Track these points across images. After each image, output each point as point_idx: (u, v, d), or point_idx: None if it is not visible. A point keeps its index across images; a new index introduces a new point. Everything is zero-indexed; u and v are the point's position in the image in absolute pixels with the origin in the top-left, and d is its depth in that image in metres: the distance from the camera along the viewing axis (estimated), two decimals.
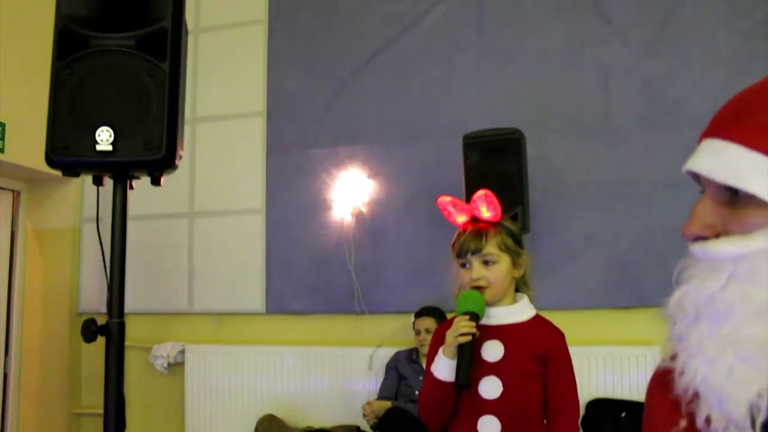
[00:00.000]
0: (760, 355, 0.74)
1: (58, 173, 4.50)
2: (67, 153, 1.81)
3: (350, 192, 4.28)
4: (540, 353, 1.85)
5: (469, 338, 1.76)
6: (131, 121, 1.82)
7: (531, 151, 3.74)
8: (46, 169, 4.37)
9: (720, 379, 0.77)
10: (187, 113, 4.46)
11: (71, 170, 1.85)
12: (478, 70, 4.19)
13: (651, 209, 3.82)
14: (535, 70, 4.09)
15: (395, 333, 4.15)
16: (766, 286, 0.73)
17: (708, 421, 0.79)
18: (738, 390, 0.75)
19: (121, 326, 1.88)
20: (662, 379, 1.03)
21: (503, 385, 1.81)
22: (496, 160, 3.47)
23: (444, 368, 1.80)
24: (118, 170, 1.87)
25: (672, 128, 3.80)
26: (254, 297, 4.45)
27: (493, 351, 1.85)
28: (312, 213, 4.38)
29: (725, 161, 0.79)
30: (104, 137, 1.80)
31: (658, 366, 1.08)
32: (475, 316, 1.79)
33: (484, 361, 1.84)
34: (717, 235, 0.82)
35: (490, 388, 1.81)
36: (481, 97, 4.15)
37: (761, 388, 0.74)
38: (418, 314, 3.80)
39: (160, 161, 1.82)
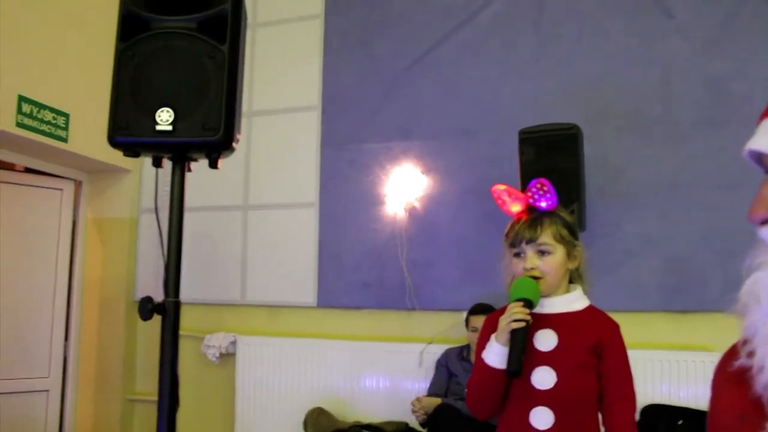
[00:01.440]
0: None
1: (118, 164, 4.68)
2: (128, 133, 1.84)
3: (403, 187, 4.27)
4: (594, 344, 1.81)
5: (522, 325, 1.72)
6: (191, 102, 1.84)
7: (588, 149, 3.68)
8: (107, 159, 4.58)
9: None
10: (243, 106, 4.53)
11: (131, 150, 1.88)
12: (534, 66, 4.14)
13: (712, 211, 3.71)
14: (594, 67, 4.02)
15: (446, 330, 4.12)
16: None
17: None
18: None
19: (177, 305, 1.90)
20: (727, 366, 0.99)
21: (557, 376, 1.77)
22: (552, 156, 3.42)
23: (496, 355, 1.77)
24: (177, 151, 1.90)
25: (736, 127, 3.69)
26: (306, 290, 4.48)
27: (546, 340, 1.81)
28: (365, 207, 4.38)
29: None
30: (164, 117, 1.82)
31: (724, 352, 1.04)
32: (528, 303, 1.75)
33: (537, 351, 1.80)
34: None
35: (544, 378, 1.78)
36: (537, 93, 4.09)
37: None
38: (473, 311, 3.75)
39: (218, 142, 1.84)
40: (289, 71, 4.74)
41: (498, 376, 1.78)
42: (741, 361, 0.85)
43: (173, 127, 1.83)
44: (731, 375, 0.93)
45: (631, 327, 3.67)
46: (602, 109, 3.95)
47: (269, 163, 4.70)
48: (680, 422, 3.50)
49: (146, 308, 1.83)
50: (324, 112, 4.59)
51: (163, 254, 1.95)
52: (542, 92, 4.08)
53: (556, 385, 1.76)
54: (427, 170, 4.28)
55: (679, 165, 3.80)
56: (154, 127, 1.83)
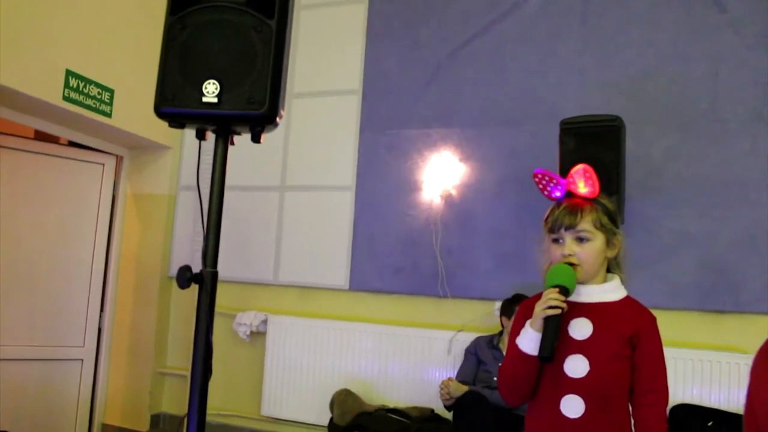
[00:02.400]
0: None
1: (159, 141, 4.75)
2: (174, 104, 1.86)
3: (441, 174, 4.27)
4: (630, 335, 1.79)
5: (557, 311, 1.71)
6: (237, 75, 1.86)
7: (630, 143, 3.63)
8: (149, 135, 4.65)
9: None
10: None
11: (177, 121, 1.91)
12: (579, 57, 4.09)
13: (753, 210, 3.64)
14: (640, 60, 3.96)
15: (477, 319, 4.11)
16: None
17: None
18: None
19: (215, 275, 1.93)
20: None
21: (590, 365, 1.75)
22: (593, 148, 3.38)
23: (530, 341, 1.76)
24: (221, 123, 1.92)
25: None
26: (338, 273, 4.50)
27: (581, 329, 1.80)
28: (401, 193, 4.39)
29: None
30: (210, 90, 1.84)
31: (766, 340, 1.03)
32: (564, 290, 1.74)
33: (571, 339, 1.79)
34: None
35: (577, 366, 1.76)
36: (580, 85, 4.05)
37: None
38: (519, 301, 3.64)
39: (262, 116, 1.85)
40: (332, 55, 4.75)
41: (531, 362, 1.77)
42: None
43: (219, 100, 1.85)
44: None
45: (665, 325, 3.60)
46: (647, 103, 3.89)
47: (308, 145, 4.73)
48: (710, 423, 3.46)
49: (185, 276, 1.85)
50: (365, 96, 4.60)
51: (203, 226, 1.97)
52: (586, 84, 4.04)
53: (589, 374, 1.75)
54: (465, 158, 4.26)
55: (723, 163, 3.73)
56: (201, 99, 1.85)
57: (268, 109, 1.84)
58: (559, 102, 4.02)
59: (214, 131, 1.99)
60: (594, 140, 3.42)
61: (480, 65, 4.33)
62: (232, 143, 2.03)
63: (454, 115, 4.34)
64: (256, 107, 1.84)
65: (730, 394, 3.58)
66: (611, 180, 3.35)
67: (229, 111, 1.85)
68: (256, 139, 1.98)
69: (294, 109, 4.78)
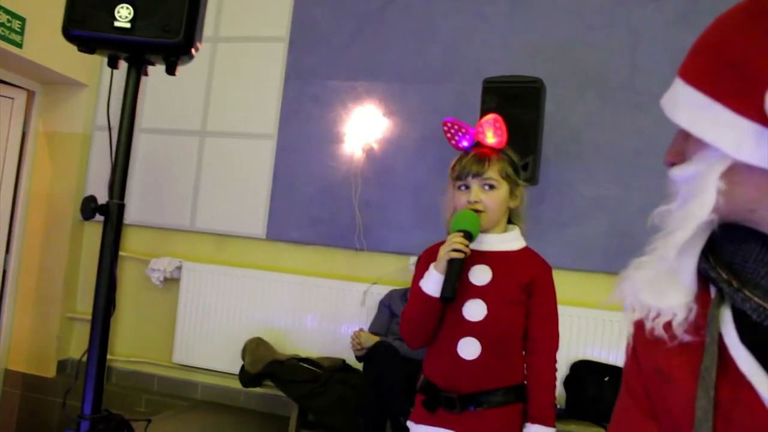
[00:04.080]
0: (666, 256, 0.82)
1: (74, 77, 4.52)
2: (84, 26, 1.80)
3: (363, 127, 4.25)
4: (526, 282, 1.86)
5: (461, 255, 1.76)
6: (152, 1, 1.80)
7: (550, 107, 3.71)
8: (64, 71, 4.42)
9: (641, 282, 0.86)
10: (209, 31, 4.43)
11: (87, 45, 1.84)
12: (507, 20, 4.12)
13: (661, 180, 3.74)
14: (565, 27, 4.01)
15: (391, 272, 4.16)
16: (695, 205, 0.79)
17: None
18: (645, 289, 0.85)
19: (121, 208, 1.89)
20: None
21: (487, 309, 1.82)
22: (513, 107, 3.43)
23: (433, 283, 1.81)
24: (134, 50, 1.86)
25: None
26: (256, 222, 4.46)
27: (480, 275, 1.85)
28: (323, 144, 4.36)
29: (671, 94, 0.85)
30: (123, 14, 1.78)
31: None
32: (469, 235, 1.79)
33: (471, 284, 1.84)
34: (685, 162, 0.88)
35: (475, 310, 1.82)
36: (506, 47, 4.09)
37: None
38: None
39: (177, 46, 1.81)
40: (260, 0, 4.63)
41: (433, 304, 1.81)
42: None
43: (132, 26, 1.79)
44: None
45: (572, 285, 3.79)
46: (568, 69, 3.96)
47: (231, 90, 4.62)
48: (606, 378, 3.63)
49: (89, 207, 1.82)
50: (291, 44, 4.51)
51: (111, 155, 1.92)
52: (512, 46, 4.07)
53: (486, 317, 1.81)
54: (389, 113, 4.27)
55: (638, 133, 3.84)
56: (112, 23, 1.79)
57: (184, 38, 1.80)
58: (484, 62, 4.05)
59: (126, 59, 1.93)
60: (515, 100, 3.48)
61: (409, 20, 4.31)
62: (146, 74, 1.97)
63: (380, 68, 4.32)
64: (171, 35, 1.80)
65: None
66: (529, 141, 3.43)
67: (142, 38, 1.80)
68: (170, 70, 1.93)
69: (219, 53, 4.66)
